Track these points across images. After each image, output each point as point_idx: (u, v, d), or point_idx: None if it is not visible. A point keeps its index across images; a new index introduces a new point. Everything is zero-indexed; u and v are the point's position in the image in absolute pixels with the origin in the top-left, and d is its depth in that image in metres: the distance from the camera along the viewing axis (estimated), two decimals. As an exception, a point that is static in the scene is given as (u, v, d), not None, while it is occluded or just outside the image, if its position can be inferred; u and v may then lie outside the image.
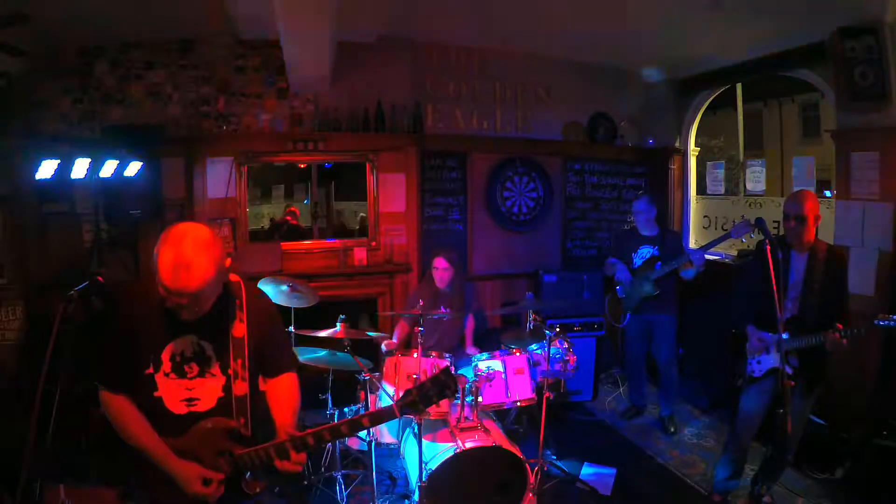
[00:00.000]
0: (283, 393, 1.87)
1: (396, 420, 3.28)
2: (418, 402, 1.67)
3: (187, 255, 1.53)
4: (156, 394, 1.68)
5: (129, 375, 1.68)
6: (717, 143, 11.98)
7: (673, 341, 4.30)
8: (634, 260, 4.24)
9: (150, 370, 1.67)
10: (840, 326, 2.59)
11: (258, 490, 1.75)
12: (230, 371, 1.73)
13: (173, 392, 1.69)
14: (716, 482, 3.21)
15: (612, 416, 4.56)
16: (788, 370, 2.58)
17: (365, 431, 3.01)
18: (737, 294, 3.12)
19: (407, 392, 1.69)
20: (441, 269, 3.90)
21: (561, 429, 4.14)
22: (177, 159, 4.45)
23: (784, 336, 2.55)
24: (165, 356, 1.68)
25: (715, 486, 3.21)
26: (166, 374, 1.68)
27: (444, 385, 1.67)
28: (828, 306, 2.77)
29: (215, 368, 1.73)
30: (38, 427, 1.64)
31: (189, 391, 1.70)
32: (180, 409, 1.70)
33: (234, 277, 1.79)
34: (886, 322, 2.51)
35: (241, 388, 1.74)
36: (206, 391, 1.72)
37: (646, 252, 4.20)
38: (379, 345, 3.69)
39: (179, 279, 1.52)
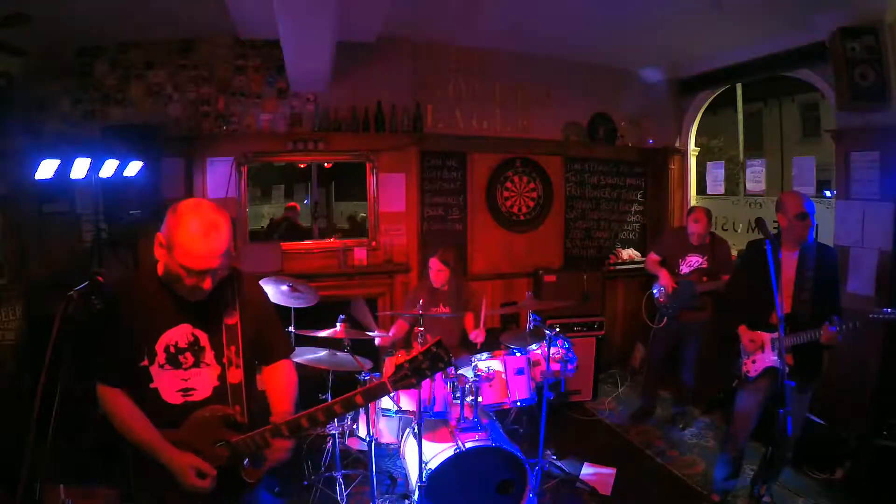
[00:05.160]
0: (279, 380, 1.87)
1: (396, 420, 3.29)
2: (411, 375, 1.66)
3: (212, 217, 1.59)
4: (151, 385, 1.67)
5: (126, 369, 1.67)
6: (717, 144, 11.98)
7: (701, 342, 4.24)
8: (681, 266, 4.17)
9: (145, 362, 1.66)
10: (836, 320, 2.60)
11: (258, 477, 1.73)
12: (224, 360, 1.72)
13: (169, 383, 1.68)
14: (715, 482, 3.21)
15: (612, 416, 4.56)
16: (785, 368, 2.58)
17: (365, 431, 3.02)
18: (733, 294, 3.13)
19: (398, 367, 1.67)
20: (435, 269, 3.88)
21: (561, 429, 4.14)
22: (177, 159, 4.45)
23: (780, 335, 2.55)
24: (160, 347, 1.67)
25: (714, 486, 3.21)
26: (161, 366, 1.67)
27: (436, 357, 1.65)
28: (820, 303, 2.78)
29: (210, 358, 1.72)
30: (38, 427, 1.64)
31: (185, 381, 1.69)
32: (176, 399, 1.69)
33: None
34: (879, 315, 2.52)
35: (235, 375, 1.73)
36: (202, 381, 1.71)
37: (693, 261, 4.14)
38: (373, 339, 3.67)
39: (211, 241, 1.56)
